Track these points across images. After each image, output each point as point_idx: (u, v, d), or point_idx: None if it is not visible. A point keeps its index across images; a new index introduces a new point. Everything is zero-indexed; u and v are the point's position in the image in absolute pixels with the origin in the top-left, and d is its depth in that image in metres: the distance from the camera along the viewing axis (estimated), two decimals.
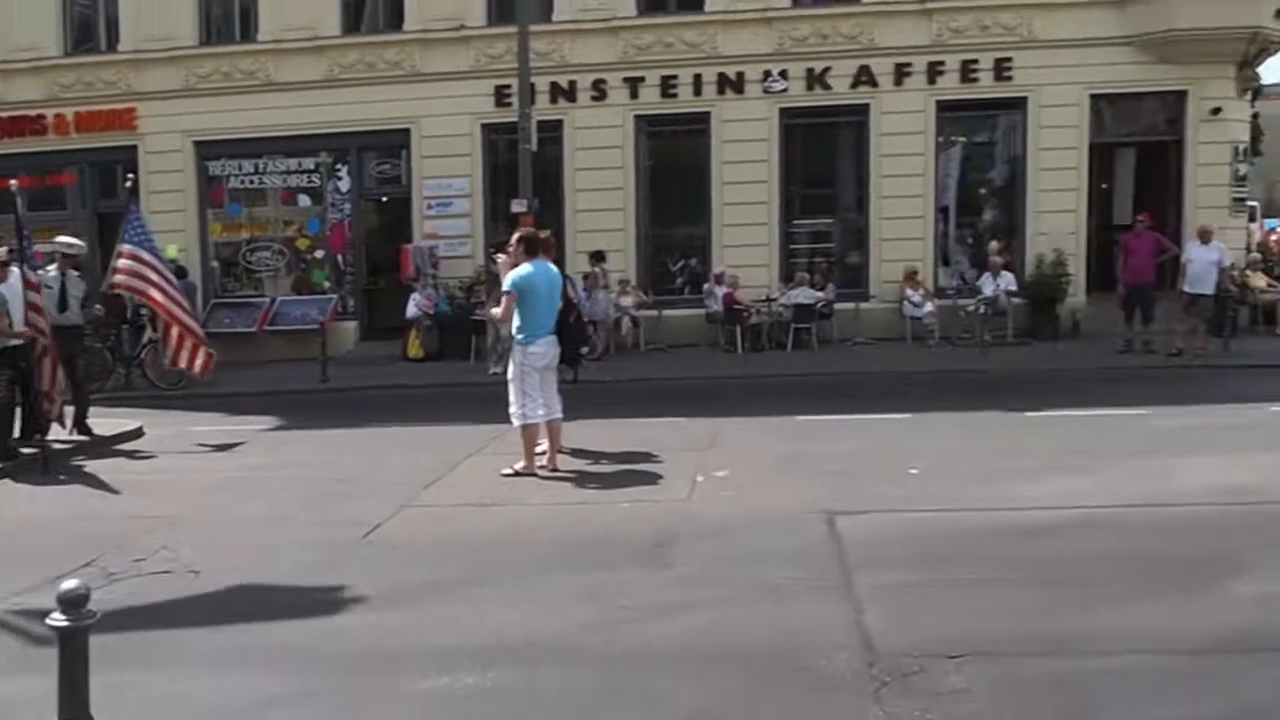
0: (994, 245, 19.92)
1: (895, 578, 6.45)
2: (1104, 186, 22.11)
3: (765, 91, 20.65)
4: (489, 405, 11.44)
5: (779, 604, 6.09)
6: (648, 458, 10.24)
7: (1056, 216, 20.22)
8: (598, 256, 20.22)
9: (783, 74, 20.60)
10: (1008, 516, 7.77)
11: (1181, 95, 20.24)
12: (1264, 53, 20.60)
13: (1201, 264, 16.75)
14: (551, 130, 20.42)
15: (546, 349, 9.81)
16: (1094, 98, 20.25)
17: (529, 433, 9.74)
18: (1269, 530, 7.34)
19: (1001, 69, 20.21)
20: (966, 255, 21.17)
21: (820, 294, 19.85)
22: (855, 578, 6.44)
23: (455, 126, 21.22)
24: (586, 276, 19.65)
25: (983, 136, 21.68)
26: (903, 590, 6.24)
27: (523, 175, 18.13)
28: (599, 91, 21.00)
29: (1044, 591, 6.16)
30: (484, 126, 21.27)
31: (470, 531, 8.03)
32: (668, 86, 20.89)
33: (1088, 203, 20.59)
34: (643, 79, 20.90)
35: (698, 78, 20.76)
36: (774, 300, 19.93)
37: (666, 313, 20.53)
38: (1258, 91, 23.52)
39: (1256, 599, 5.95)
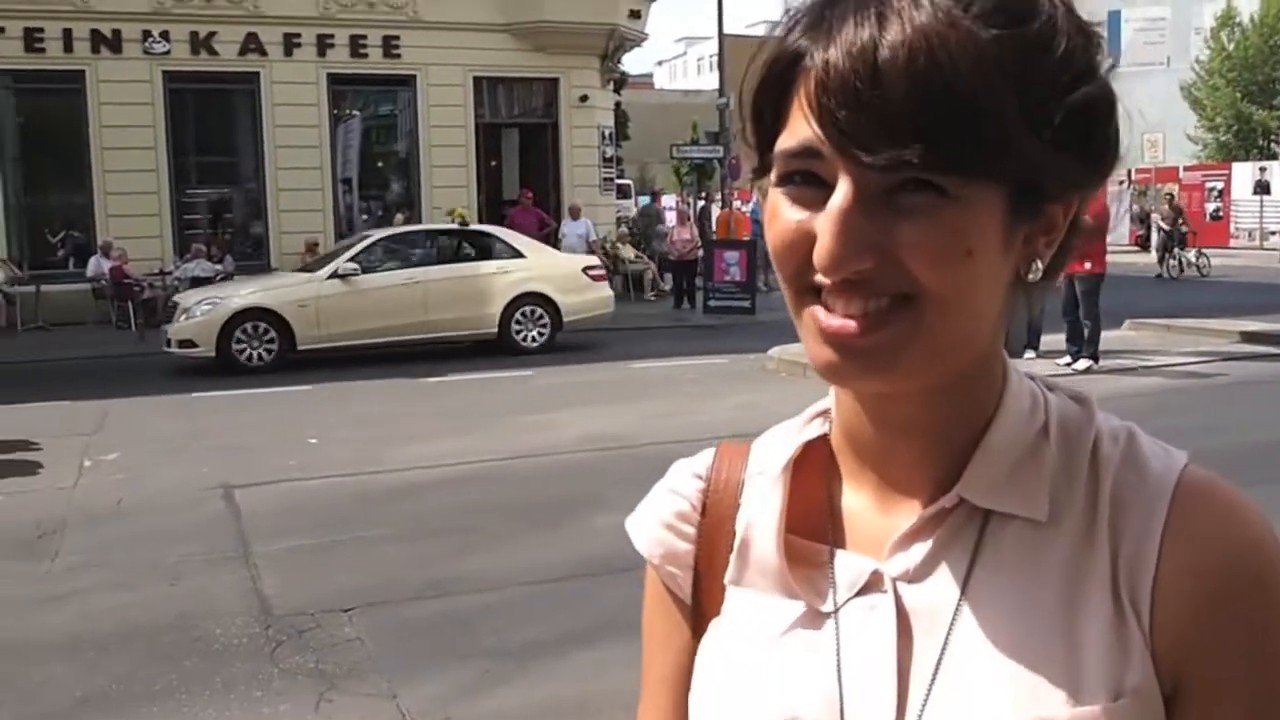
0: (399, 218, 20.49)
1: (292, 544, 6.65)
2: (493, 164, 23.55)
3: (146, 53, 19.59)
4: None
5: (175, 581, 6.05)
6: (25, 445, 9.52)
7: (451, 191, 21.21)
8: None
9: (164, 35, 19.65)
10: (400, 477, 8.23)
11: (555, 82, 22.07)
12: (621, 48, 23.01)
13: (572, 237, 18.59)
14: None
15: None
16: (478, 79, 21.46)
17: None
18: (628, 470, 8.39)
19: (390, 46, 20.78)
20: (372, 227, 21.56)
21: (218, 266, 19.28)
22: (253, 548, 6.55)
23: None
24: None
25: (382, 110, 22.18)
26: (299, 554, 6.45)
27: None
28: None
29: (432, 542, 6.67)
30: None
31: None
32: (33, 41, 19.12)
33: (478, 178, 21.83)
34: (2, 30, 18.95)
35: (67, 33, 19.21)
36: (168, 273, 19.05)
37: (46, 288, 18.84)
38: (621, 82, 26.20)
39: (613, 528, 6.81)
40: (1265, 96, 57.30)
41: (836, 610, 0.79)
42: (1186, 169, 40.38)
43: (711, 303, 19.00)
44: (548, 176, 22.43)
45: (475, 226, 16.56)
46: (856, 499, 0.82)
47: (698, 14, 60.76)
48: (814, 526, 0.83)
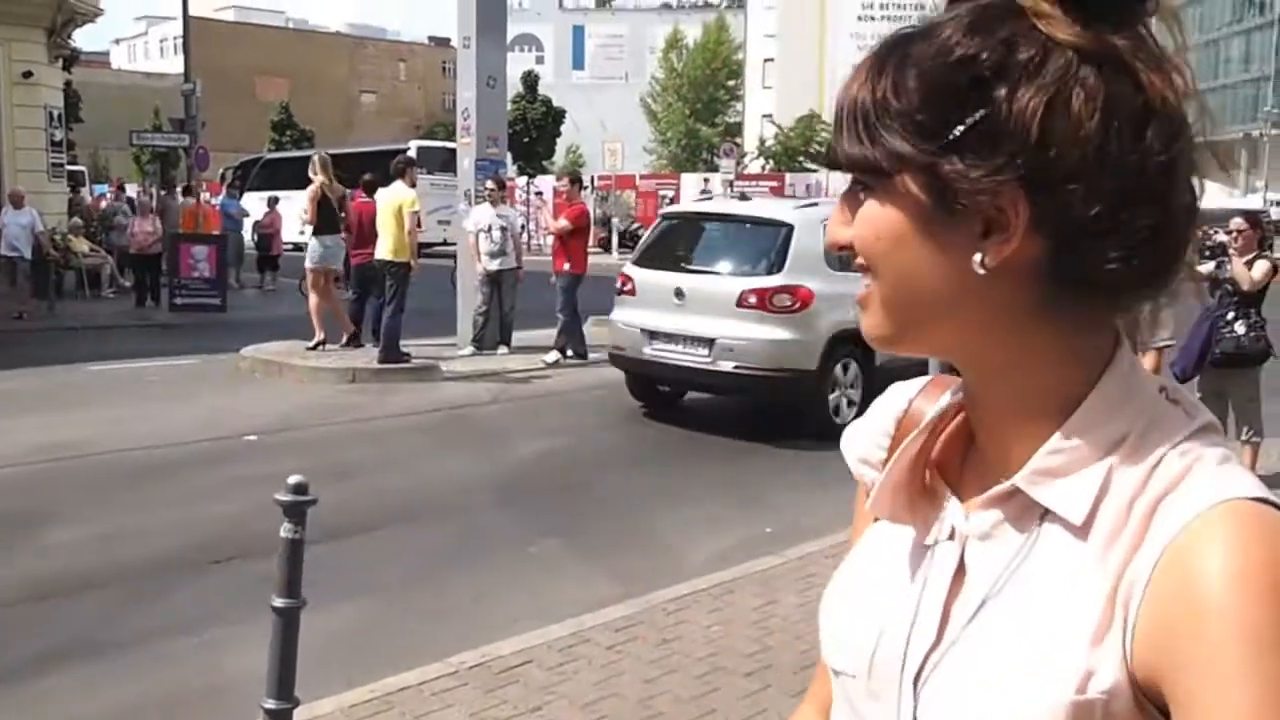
0: None
1: None
2: None
3: None
4: None
5: None
6: None
7: None
8: None
9: None
10: None
11: None
12: (71, 22, 21.19)
13: (14, 228, 16.89)
14: None
15: None
16: None
17: None
18: (86, 480, 7.88)
19: None
20: None
21: None
22: None
23: None
24: None
25: None
26: None
27: None
28: None
29: None
30: None
31: None
32: None
33: None
34: None
35: None
36: None
37: None
38: (72, 59, 24.15)
39: (70, 544, 6.41)
40: (709, 114, 63.71)
41: (932, 546, 0.93)
42: (643, 177, 43.84)
43: (178, 300, 18.10)
44: None
45: None
46: (978, 454, 0.94)
47: None
48: (949, 468, 0.96)
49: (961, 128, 0.81)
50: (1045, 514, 0.85)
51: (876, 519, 1.01)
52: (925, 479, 0.96)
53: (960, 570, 0.90)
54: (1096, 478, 0.83)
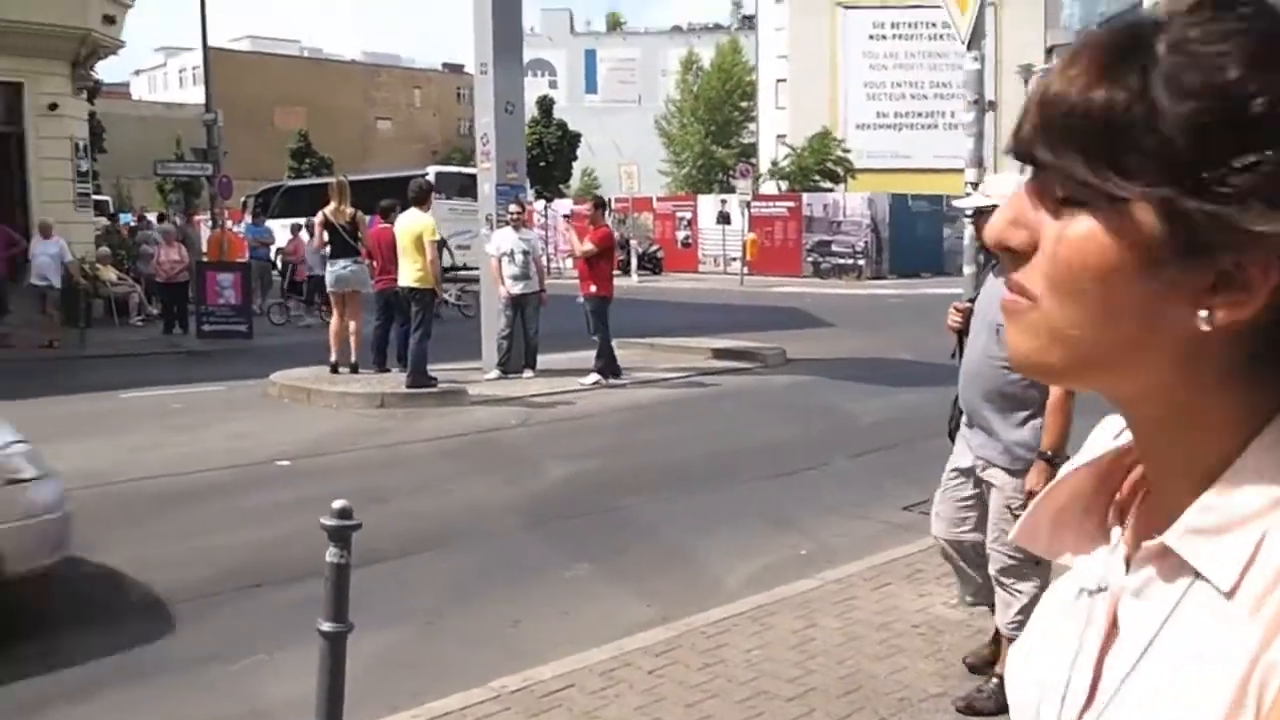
0: None
1: None
2: None
3: None
4: None
5: None
6: None
7: None
8: None
9: None
10: None
11: (18, 88, 20.10)
12: (95, 54, 21.39)
13: (45, 257, 17.09)
14: None
15: None
16: None
17: None
18: (109, 509, 7.82)
19: None
20: None
21: None
22: None
23: None
24: None
25: None
26: None
27: None
28: None
29: None
30: None
31: None
32: None
33: None
34: None
35: None
36: None
37: None
38: (95, 90, 24.37)
39: (102, 573, 6.40)
40: (724, 135, 63.83)
41: (1093, 595, 0.85)
42: (659, 199, 43.95)
43: (205, 327, 18.22)
44: (13, 192, 20.30)
45: None
46: (1154, 498, 0.85)
47: (179, 24, 57.55)
48: (1128, 508, 0.86)
49: (1231, 170, 0.70)
50: (1197, 575, 0.76)
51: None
52: (1107, 518, 0.87)
53: (1114, 626, 0.82)
54: (1249, 542, 0.73)
